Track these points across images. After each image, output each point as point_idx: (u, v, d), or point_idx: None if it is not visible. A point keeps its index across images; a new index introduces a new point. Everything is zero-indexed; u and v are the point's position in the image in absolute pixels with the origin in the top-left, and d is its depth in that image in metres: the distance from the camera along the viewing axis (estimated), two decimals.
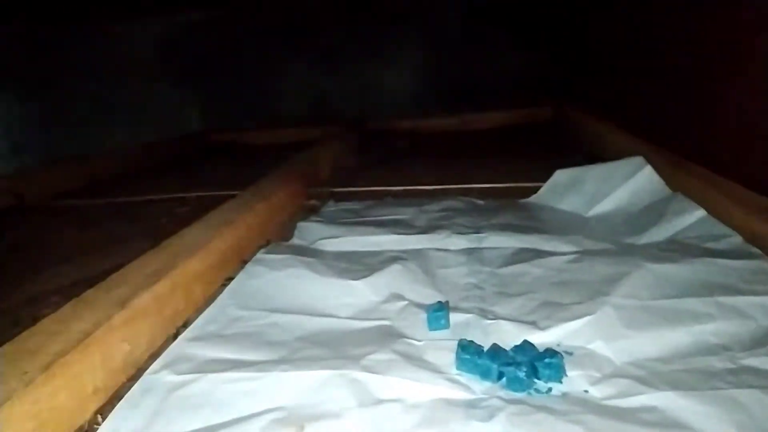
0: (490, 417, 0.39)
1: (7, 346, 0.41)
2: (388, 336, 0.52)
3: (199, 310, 0.57)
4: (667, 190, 0.82)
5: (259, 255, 0.69)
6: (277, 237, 0.82)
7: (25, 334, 0.43)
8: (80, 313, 0.45)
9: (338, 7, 1.94)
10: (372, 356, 0.47)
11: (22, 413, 0.35)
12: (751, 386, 0.40)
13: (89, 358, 0.42)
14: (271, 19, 1.97)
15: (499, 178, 1.16)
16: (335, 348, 0.50)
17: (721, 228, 0.66)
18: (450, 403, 0.41)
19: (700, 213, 0.71)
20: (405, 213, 0.92)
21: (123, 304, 0.46)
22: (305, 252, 0.73)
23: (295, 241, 0.80)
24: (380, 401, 0.41)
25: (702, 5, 0.94)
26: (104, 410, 0.42)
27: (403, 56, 2.02)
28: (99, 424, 0.40)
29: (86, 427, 0.41)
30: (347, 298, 0.61)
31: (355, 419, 0.39)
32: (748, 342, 0.46)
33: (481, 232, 0.78)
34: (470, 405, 0.41)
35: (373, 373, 0.44)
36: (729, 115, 0.87)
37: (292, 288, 0.62)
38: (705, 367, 0.44)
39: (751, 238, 0.62)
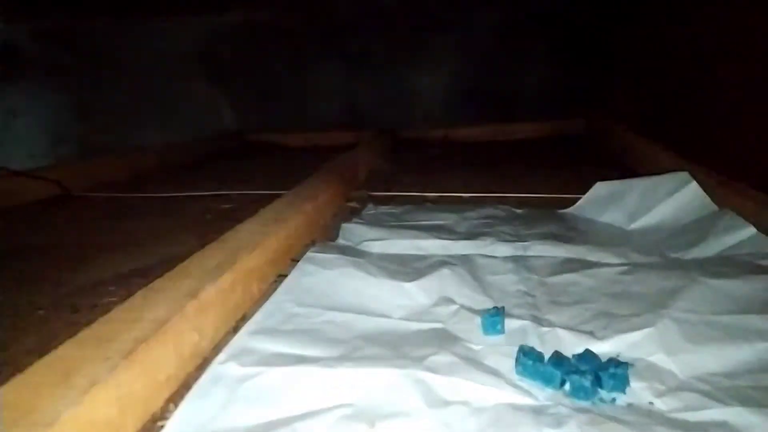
0: (560, 424, 0.39)
1: (85, 332, 0.42)
2: (444, 339, 0.52)
3: (256, 306, 0.58)
4: (713, 207, 0.82)
5: (310, 253, 0.70)
6: (322, 237, 0.83)
7: (101, 320, 0.44)
8: (152, 302, 0.46)
9: (375, 12, 1.95)
10: (433, 357, 0.47)
11: (106, 398, 0.36)
12: None
13: (164, 346, 0.42)
14: (307, 22, 2.00)
15: (535, 188, 1.17)
16: (394, 348, 0.50)
17: None
18: (516, 408, 0.42)
19: (751, 230, 0.70)
20: (446, 219, 0.93)
21: (193, 294, 0.47)
22: (352, 252, 0.74)
23: (341, 241, 0.81)
24: (447, 402, 0.42)
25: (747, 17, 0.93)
26: (175, 398, 0.43)
27: (438, 64, 2.02)
28: (171, 412, 0.41)
29: (159, 414, 0.42)
30: (399, 300, 0.61)
31: (425, 419, 0.40)
32: None
33: (525, 241, 0.78)
34: (537, 411, 0.41)
35: (437, 374, 0.44)
36: None
37: (344, 287, 0.63)
38: None
39: None
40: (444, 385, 0.43)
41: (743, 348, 0.48)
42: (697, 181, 0.87)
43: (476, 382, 0.44)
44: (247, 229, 0.68)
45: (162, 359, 0.42)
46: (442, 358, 0.47)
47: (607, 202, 0.95)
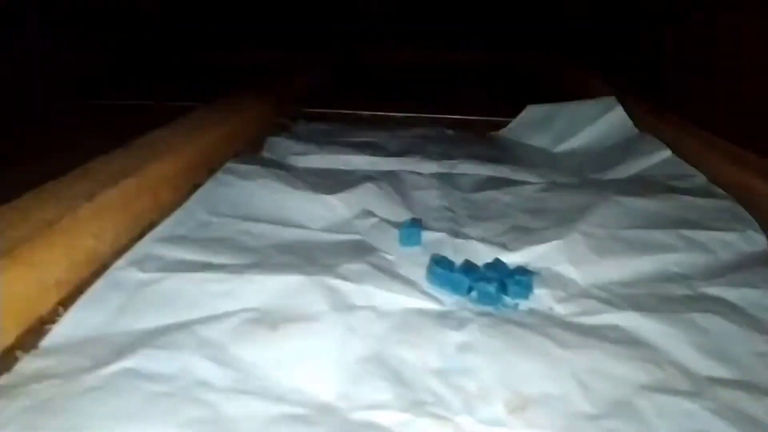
0: (461, 326, 0.40)
1: None
2: (361, 249, 0.52)
3: (166, 214, 0.55)
4: (635, 131, 0.83)
5: (229, 164, 0.67)
6: (247, 151, 0.79)
7: None
8: (42, 202, 0.43)
9: None
10: (346, 266, 0.47)
11: None
12: (707, 311, 0.42)
13: (52, 247, 0.40)
14: None
15: (469, 111, 1.16)
16: (308, 257, 0.50)
17: (686, 168, 0.67)
18: (422, 312, 0.42)
19: (666, 153, 0.72)
20: (377, 137, 0.91)
21: (89, 197, 0.44)
22: (276, 165, 0.72)
23: (266, 154, 0.78)
24: (354, 307, 0.41)
25: None
26: (66, 302, 0.41)
27: None
28: (60, 315, 0.39)
29: (47, 317, 0.39)
30: (319, 211, 0.60)
31: (329, 322, 0.39)
32: (708, 273, 0.48)
33: (452, 159, 0.78)
34: (442, 315, 0.42)
35: (346, 281, 0.44)
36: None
37: (263, 198, 0.61)
38: (666, 292, 0.45)
39: (714, 179, 0.64)
40: (352, 291, 0.43)
41: (644, 259, 0.49)
42: (627, 108, 0.88)
43: (385, 289, 0.44)
44: (159, 135, 0.64)
45: (50, 261, 0.40)
46: (355, 266, 0.47)
47: (537, 126, 0.96)
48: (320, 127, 0.97)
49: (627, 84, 1.05)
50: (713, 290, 0.45)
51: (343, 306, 0.41)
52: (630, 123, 0.85)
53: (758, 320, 0.41)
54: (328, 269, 0.46)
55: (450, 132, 0.99)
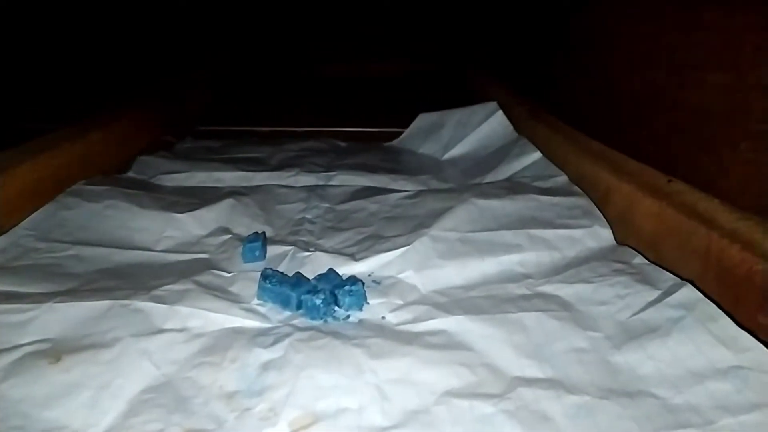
0: (274, 343, 0.37)
1: None
2: (198, 268, 0.49)
3: None
4: (514, 134, 0.84)
5: (76, 186, 0.63)
6: (118, 172, 0.75)
7: None
8: None
9: None
10: (167, 286, 0.44)
11: None
12: (537, 310, 0.41)
13: None
14: None
15: (372, 123, 1.14)
16: (134, 280, 0.46)
17: (552, 169, 0.68)
18: (239, 332, 0.39)
19: (536, 155, 0.72)
20: (262, 152, 0.88)
21: None
22: (136, 186, 0.68)
23: (131, 174, 0.74)
24: (159, 331, 0.38)
25: None
26: None
27: None
28: None
29: None
30: (169, 232, 0.57)
31: (122, 349, 0.36)
32: (549, 270, 0.48)
33: (332, 171, 0.76)
34: (260, 333, 0.39)
35: (160, 303, 0.41)
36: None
37: (107, 220, 0.57)
38: (503, 293, 0.44)
39: (577, 178, 0.64)
40: (162, 313, 0.40)
41: (486, 261, 0.48)
42: (512, 112, 0.88)
43: (204, 308, 0.41)
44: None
45: None
46: (178, 286, 0.44)
47: (427, 133, 0.95)
48: (206, 144, 0.94)
49: (527, 85, 1.06)
50: (549, 288, 0.44)
51: (146, 331, 0.38)
52: (510, 127, 0.85)
53: (585, 315, 0.40)
54: (144, 292, 0.42)
55: (343, 144, 0.97)
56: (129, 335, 0.37)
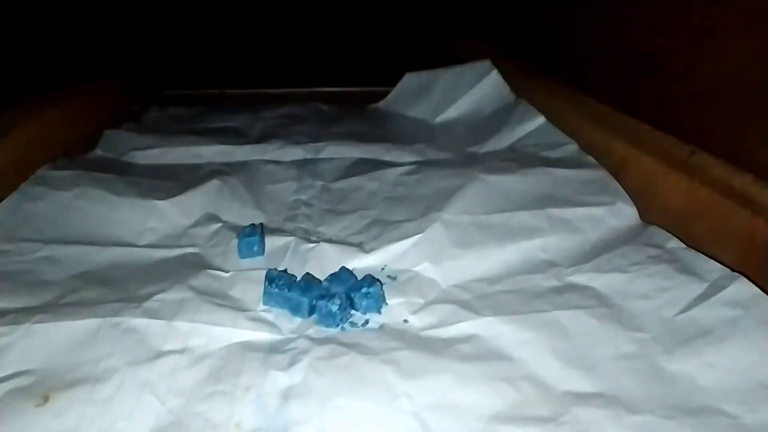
0: (291, 364, 0.33)
1: None
2: (191, 267, 0.44)
3: None
4: (511, 97, 0.79)
5: (41, 172, 0.56)
6: (82, 150, 0.68)
7: None
8: None
9: None
10: (161, 295, 0.39)
11: None
12: (573, 306, 0.38)
13: None
14: None
15: (353, 82, 1.07)
16: (120, 286, 0.41)
17: (560, 136, 0.64)
18: (248, 348, 0.35)
19: (540, 120, 0.68)
20: (239, 120, 0.82)
21: None
22: (107, 167, 0.61)
23: (99, 152, 0.68)
24: (159, 354, 0.34)
25: None
26: None
27: None
28: None
29: None
30: (151, 222, 0.51)
31: (120, 383, 0.31)
32: (575, 256, 0.44)
33: (320, 142, 0.71)
34: (272, 349, 0.35)
35: (155, 317, 0.36)
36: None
37: (80, 212, 0.51)
38: (530, 287, 0.41)
39: (587, 146, 0.61)
40: (160, 331, 0.35)
41: (507, 248, 0.45)
42: (504, 71, 0.83)
43: (206, 321, 0.36)
44: None
45: None
46: (173, 295, 0.39)
47: (416, 95, 0.90)
48: (175, 113, 0.86)
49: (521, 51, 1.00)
50: (580, 278, 0.41)
51: (144, 355, 0.33)
52: (506, 88, 0.80)
53: (626, 312, 0.37)
54: (135, 304, 0.38)
55: (325, 107, 0.91)
56: (125, 364, 0.33)
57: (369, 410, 0.30)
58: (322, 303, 0.37)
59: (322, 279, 0.41)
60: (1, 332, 0.35)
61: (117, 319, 0.36)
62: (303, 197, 0.57)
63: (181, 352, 0.34)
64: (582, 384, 0.32)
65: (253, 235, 0.45)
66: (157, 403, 0.30)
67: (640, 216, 0.49)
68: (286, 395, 0.31)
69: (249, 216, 0.53)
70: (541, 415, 0.30)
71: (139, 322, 0.36)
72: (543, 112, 0.70)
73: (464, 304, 0.39)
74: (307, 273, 0.41)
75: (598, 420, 0.29)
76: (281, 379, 0.32)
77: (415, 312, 0.39)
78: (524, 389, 0.31)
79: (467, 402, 0.31)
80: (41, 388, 0.31)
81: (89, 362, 0.33)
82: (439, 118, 0.83)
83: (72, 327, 0.35)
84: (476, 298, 0.40)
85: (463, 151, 0.69)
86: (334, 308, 0.37)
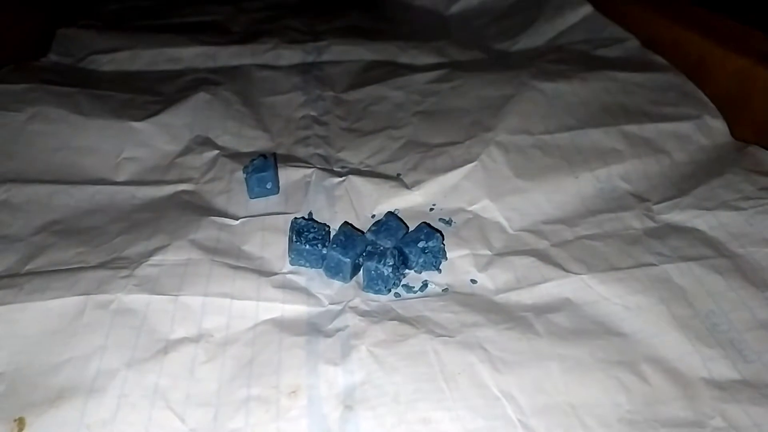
0: (345, 353, 0.25)
1: None
2: (189, 213, 0.34)
3: None
4: None
5: None
6: (26, 55, 0.55)
7: None
8: None
9: None
10: (158, 257, 0.30)
11: None
12: (683, 257, 0.30)
13: None
14: None
15: None
16: (102, 242, 0.32)
17: (614, 29, 0.53)
18: (283, 327, 0.27)
19: (587, 8, 0.57)
20: (217, 13, 0.68)
21: None
22: (66, 76, 0.50)
23: (52, 58, 0.55)
24: (169, 346, 0.25)
25: None
26: None
27: None
28: None
29: None
30: (130, 150, 0.41)
31: (120, 391, 0.23)
32: (665, 187, 0.36)
33: (321, 39, 0.59)
34: (314, 329, 0.27)
35: (155, 293, 0.27)
36: None
37: (39, 139, 0.41)
38: (621, 229, 0.33)
39: (648, 42, 0.51)
40: (163, 312, 0.27)
41: (582, 177, 0.36)
42: None
43: (222, 293, 0.28)
44: None
45: None
46: (174, 255, 0.30)
47: None
48: (139, 4, 0.72)
49: None
50: (679, 216, 0.33)
51: (149, 349, 0.25)
52: None
53: (752, 264, 0.30)
54: (126, 271, 0.29)
55: None
56: (124, 363, 0.24)
57: (464, 422, 0.22)
58: (370, 264, 0.29)
59: (357, 225, 0.33)
60: None
61: (106, 297, 0.27)
62: (313, 113, 0.47)
63: (196, 340, 0.26)
64: (721, 368, 0.25)
65: (265, 170, 0.36)
66: (175, 420, 0.23)
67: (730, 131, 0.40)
68: (349, 401, 0.23)
69: (250, 139, 0.43)
70: (683, 417, 0.23)
71: (136, 300, 0.27)
72: None
73: (543, 256, 0.31)
74: (346, 223, 0.32)
75: (759, 421, 0.22)
76: (336, 376, 0.24)
77: (483, 268, 0.31)
78: (651, 378, 0.24)
79: (585, 401, 0.23)
80: (12, 405, 0.23)
81: (74, 362, 0.24)
82: (454, 8, 0.71)
83: (46, 309, 0.26)
84: (556, 247, 0.32)
85: (492, 49, 0.58)
86: (387, 271, 0.29)
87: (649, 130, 0.40)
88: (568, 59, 0.49)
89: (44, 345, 0.25)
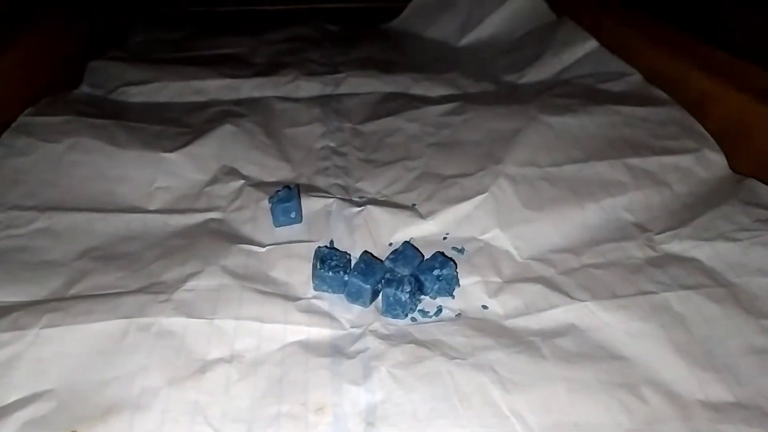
0: (367, 374, 0.28)
1: None
2: (218, 240, 0.37)
3: None
4: (550, 14, 0.70)
5: (23, 118, 0.47)
6: (59, 85, 0.58)
7: None
8: None
9: None
10: (193, 282, 0.32)
11: None
12: (682, 286, 0.32)
13: None
14: None
15: None
16: (138, 267, 0.34)
17: (618, 64, 0.56)
18: (308, 348, 0.29)
19: (592, 44, 0.60)
20: (240, 45, 0.72)
21: None
22: (99, 108, 0.53)
23: (85, 89, 0.58)
24: (206, 365, 0.28)
25: None
26: None
27: None
28: None
29: None
30: (161, 180, 0.44)
31: (164, 407, 0.26)
32: (666, 218, 0.38)
33: (338, 72, 0.62)
34: (337, 350, 0.29)
35: (192, 317, 0.30)
36: None
37: (76, 169, 0.43)
38: (624, 258, 0.35)
39: (650, 77, 0.53)
40: (200, 333, 0.29)
41: (587, 208, 0.39)
42: None
43: (251, 317, 0.30)
44: None
45: None
46: (208, 281, 0.33)
47: (435, 12, 0.80)
48: (164, 36, 0.76)
49: None
50: (679, 247, 0.35)
51: (188, 368, 0.27)
52: (544, 4, 0.71)
53: (747, 293, 0.32)
54: (164, 295, 0.31)
55: (334, 28, 0.81)
56: (166, 381, 0.27)
57: None
58: (389, 291, 0.31)
59: (375, 252, 0.35)
60: (3, 340, 0.28)
61: (147, 320, 0.29)
62: (332, 144, 0.49)
63: (229, 360, 0.28)
64: (717, 391, 0.27)
65: (289, 200, 0.38)
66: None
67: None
68: (371, 418, 0.26)
69: (273, 169, 0.46)
70: None
71: (175, 323, 0.29)
72: (591, 33, 0.61)
73: (550, 283, 0.33)
74: (366, 252, 0.34)
75: None
76: (359, 395, 0.27)
77: (494, 295, 0.33)
78: (651, 399, 0.26)
79: (589, 420, 0.25)
80: (65, 419, 0.25)
81: (120, 380, 0.27)
82: (465, 40, 0.74)
83: (92, 331, 0.29)
84: (563, 275, 0.34)
85: (501, 81, 0.61)
86: (405, 297, 0.31)
87: (651, 162, 0.42)
88: (574, 93, 0.52)
89: (92, 364, 0.28)
